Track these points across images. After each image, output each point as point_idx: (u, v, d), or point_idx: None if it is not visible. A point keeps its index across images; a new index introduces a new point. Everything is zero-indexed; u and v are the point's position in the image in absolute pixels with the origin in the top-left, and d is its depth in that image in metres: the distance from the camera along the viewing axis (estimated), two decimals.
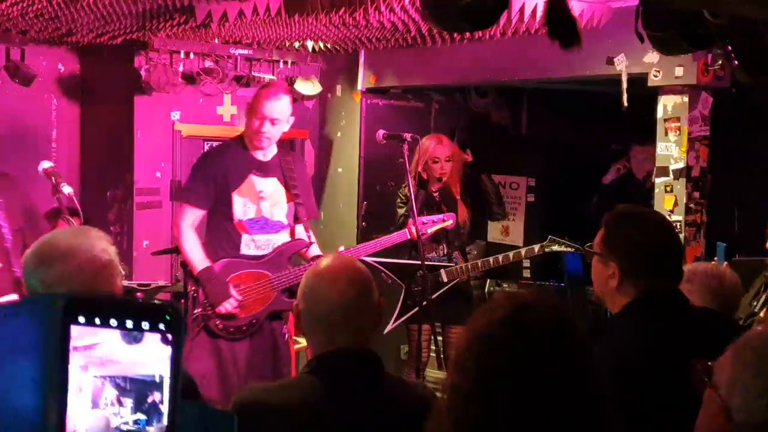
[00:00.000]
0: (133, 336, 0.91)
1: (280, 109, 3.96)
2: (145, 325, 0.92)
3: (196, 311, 3.99)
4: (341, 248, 4.24)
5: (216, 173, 3.99)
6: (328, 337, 1.98)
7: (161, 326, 0.92)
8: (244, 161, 4.03)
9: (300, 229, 4.19)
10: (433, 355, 4.72)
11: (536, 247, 4.58)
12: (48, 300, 0.90)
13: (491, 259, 4.65)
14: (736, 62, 3.23)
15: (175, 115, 5.46)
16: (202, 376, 3.85)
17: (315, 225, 6.15)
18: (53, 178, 3.36)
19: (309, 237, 4.16)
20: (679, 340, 2.16)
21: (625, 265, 2.22)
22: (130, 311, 0.91)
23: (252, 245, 4.05)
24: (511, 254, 4.62)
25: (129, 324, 0.91)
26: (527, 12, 3.93)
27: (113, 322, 0.91)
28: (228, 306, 3.94)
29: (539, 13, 3.93)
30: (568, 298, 5.59)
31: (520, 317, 1.38)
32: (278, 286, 4.04)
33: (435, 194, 4.85)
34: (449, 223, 4.43)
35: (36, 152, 3.50)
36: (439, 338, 4.62)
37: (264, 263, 4.05)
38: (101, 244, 2.01)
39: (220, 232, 4.04)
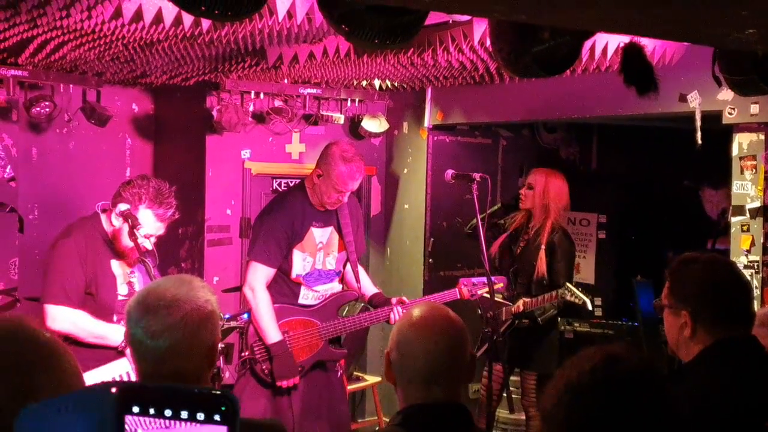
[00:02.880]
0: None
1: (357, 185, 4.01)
2: (200, 416, 0.90)
3: (244, 354, 4.01)
4: (405, 299, 4.15)
5: (287, 232, 3.99)
6: (422, 390, 1.96)
7: (216, 417, 0.90)
8: (309, 214, 4.04)
9: (349, 273, 4.18)
10: (505, 395, 4.66)
11: (554, 294, 4.55)
12: (102, 391, 0.89)
13: (529, 301, 4.60)
14: None
15: (245, 154, 5.54)
16: (255, 416, 3.84)
17: (382, 262, 6.18)
18: (129, 221, 3.42)
19: (357, 274, 4.16)
20: (756, 390, 2.12)
21: (696, 313, 2.20)
22: (185, 401, 0.90)
23: (309, 296, 4.08)
24: (539, 298, 4.59)
25: (184, 414, 0.89)
26: (598, 51, 3.88)
27: (168, 412, 0.89)
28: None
29: (610, 51, 3.88)
30: (642, 337, 5.46)
31: (611, 368, 1.39)
32: (326, 335, 4.04)
33: (524, 236, 4.77)
34: (500, 286, 4.35)
35: (111, 192, 3.58)
36: (513, 378, 4.58)
37: (314, 312, 4.05)
38: (205, 294, 2.01)
39: (278, 283, 4.05)
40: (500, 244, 4.85)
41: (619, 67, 2.46)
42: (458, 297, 4.22)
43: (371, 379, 5.85)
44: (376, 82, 5.38)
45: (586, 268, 6.38)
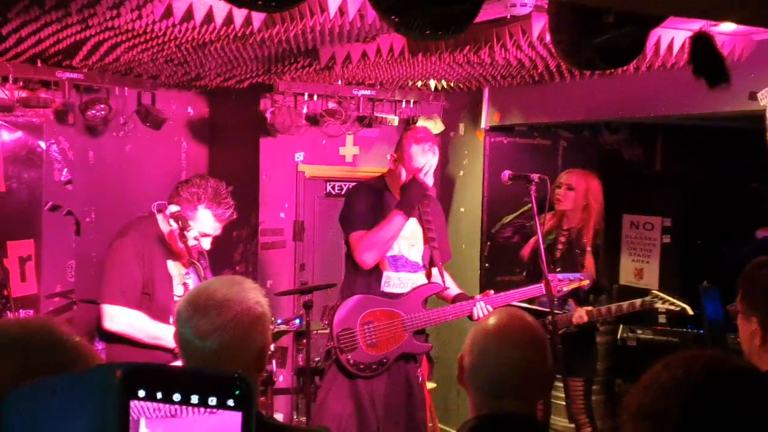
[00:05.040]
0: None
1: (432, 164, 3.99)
2: (212, 400, 0.81)
3: (329, 343, 3.98)
4: (491, 292, 4.10)
5: (370, 206, 3.99)
6: (493, 400, 1.92)
7: (230, 402, 0.81)
8: (390, 201, 4.02)
9: (435, 273, 4.12)
10: (561, 403, 4.53)
11: (638, 303, 4.37)
12: (106, 372, 0.81)
13: (595, 310, 4.44)
14: None
15: (299, 156, 5.50)
16: (341, 416, 3.87)
17: None
18: (179, 222, 3.39)
19: (444, 281, 4.10)
20: None
21: (765, 321, 2.15)
22: (195, 384, 0.81)
23: (390, 282, 4.01)
24: (613, 307, 4.44)
25: (194, 399, 0.81)
26: (663, 46, 3.72)
27: (176, 396, 0.81)
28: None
29: (676, 47, 3.71)
30: (708, 345, 5.25)
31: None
32: (410, 327, 3.99)
33: (563, 232, 4.66)
34: (586, 282, 4.24)
35: (167, 194, 3.56)
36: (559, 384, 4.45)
37: (398, 303, 4.00)
38: (256, 296, 1.98)
39: (363, 271, 4.01)
40: (532, 247, 4.71)
41: (689, 57, 2.33)
42: (544, 292, 4.10)
43: (427, 385, 5.75)
44: (432, 83, 5.28)
45: (650, 274, 6.18)
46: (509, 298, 4.06)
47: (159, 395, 0.80)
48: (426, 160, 3.93)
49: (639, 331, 5.58)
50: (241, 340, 1.90)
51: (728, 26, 3.59)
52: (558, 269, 4.63)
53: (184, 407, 0.80)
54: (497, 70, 4.52)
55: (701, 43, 2.23)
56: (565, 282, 4.16)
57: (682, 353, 1.43)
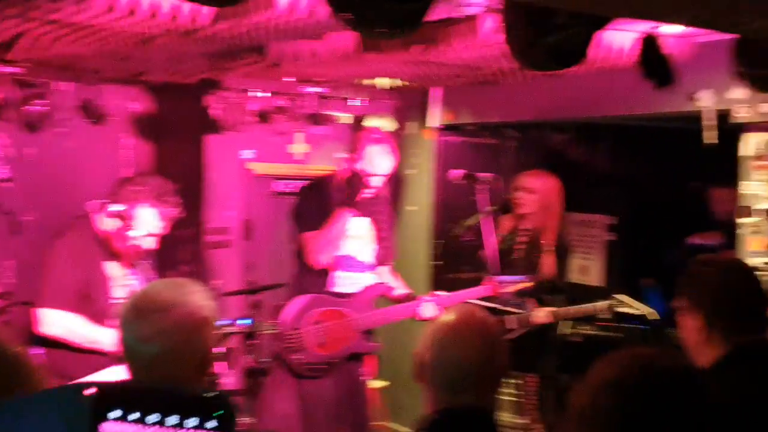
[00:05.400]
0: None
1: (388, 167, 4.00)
2: (192, 422, 0.77)
3: (276, 344, 3.99)
4: (437, 293, 4.11)
5: (322, 205, 3.98)
6: (453, 394, 1.98)
7: (210, 424, 0.77)
8: (341, 200, 4.01)
9: (384, 271, 4.12)
10: (508, 398, 4.57)
11: (604, 306, 4.43)
12: (73, 393, 0.76)
13: (560, 311, 4.49)
14: None
15: (247, 154, 5.43)
16: (288, 417, 3.88)
17: None
18: (121, 221, 3.32)
19: (393, 281, 4.10)
20: None
21: (710, 316, 2.21)
22: (173, 404, 0.77)
23: (340, 282, 4.00)
24: (581, 308, 4.51)
25: (171, 421, 0.77)
26: (611, 48, 3.76)
27: (152, 417, 0.77)
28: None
29: (621, 49, 3.76)
30: (651, 340, 5.35)
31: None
32: (360, 327, 3.98)
33: (521, 232, 4.68)
34: (528, 285, 4.27)
35: (110, 192, 3.49)
36: (515, 381, 4.50)
37: (348, 302, 3.98)
38: (199, 299, 1.94)
39: (310, 270, 3.97)
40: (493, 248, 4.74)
41: (638, 59, 2.36)
42: (489, 294, 4.15)
43: (377, 384, 5.74)
44: (383, 81, 5.28)
45: (595, 271, 6.27)
46: (456, 299, 4.09)
47: (133, 416, 0.76)
48: (383, 161, 3.93)
49: (584, 328, 5.66)
50: (183, 345, 1.86)
51: (671, 28, 3.65)
52: (516, 271, 4.67)
53: (159, 428, 0.76)
54: (449, 70, 4.53)
55: (650, 46, 2.26)
56: (506, 284, 4.19)
57: (620, 353, 1.49)
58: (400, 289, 4.19)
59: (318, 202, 4.00)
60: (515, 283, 4.22)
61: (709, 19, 2.04)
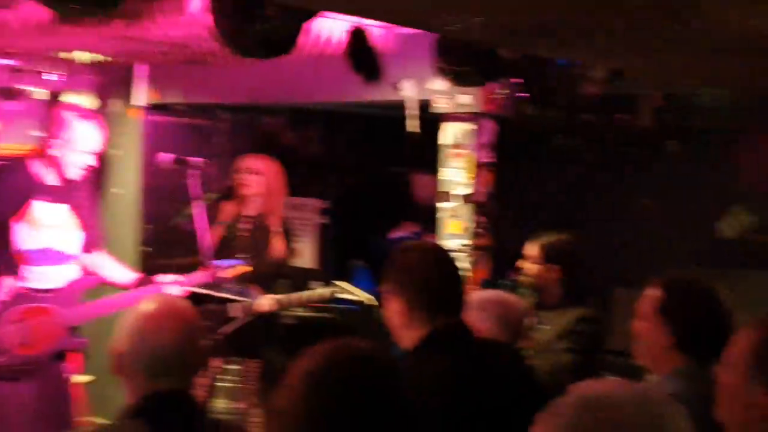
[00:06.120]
0: None
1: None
2: None
3: None
4: (157, 278, 3.91)
5: (17, 190, 3.64)
6: (153, 381, 2.01)
7: None
8: (29, 186, 3.67)
9: (100, 259, 3.87)
10: (223, 384, 4.52)
11: (324, 293, 4.51)
12: None
13: (284, 298, 4.51)
14: (523, 95, 3.31)
15: None
16: None
17: None
18: None
19: (102, 259, 3.85)
20: (466, 378, 2.24)
21: (411, 300, 2.28)
22: None
23: (36, 277, 3.68)
24: (301, 296, 4.53)
25: None
26: (321, 37, 3.81)
27: None
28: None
29: (333, 39, 3.83)
30: (361, 320, 5.55)
31: (345, 353, 1.46)
32: (66, 323, 3.69)
33: (245, 219, 4.61)
34: (245, 269, 4.22)
35: None
36: (234, 367, 4.46)
37: (52, 298, 3.68)
38: None
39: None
40: (218, 235, 4.66)
41: (347, 52, 2.40)
42: (208, 279, 4.03)
43: (82, 379, 5.42)
44: (83, 56, 4.94)
45: (308, 254, 6.40)
46: (175, 285, 3.96)
47: None
48: (84, 140, 3.68)
49: (298, 309, 5.74)
50: None
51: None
52: (240, 257, 4.60)
53: None
54: (154, 47, 4.33)
55: (358, 39, 2.31)
56: (223, 268, 4.12)
57: (320, 345, 1.52)
58: (118, 273, 3.96)
59: (9, 186, 3.65)
60: (233, 268, 4.16)
61: (413, 19, 2.13)
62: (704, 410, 2.08)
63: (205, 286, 4.17)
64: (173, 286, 3.90)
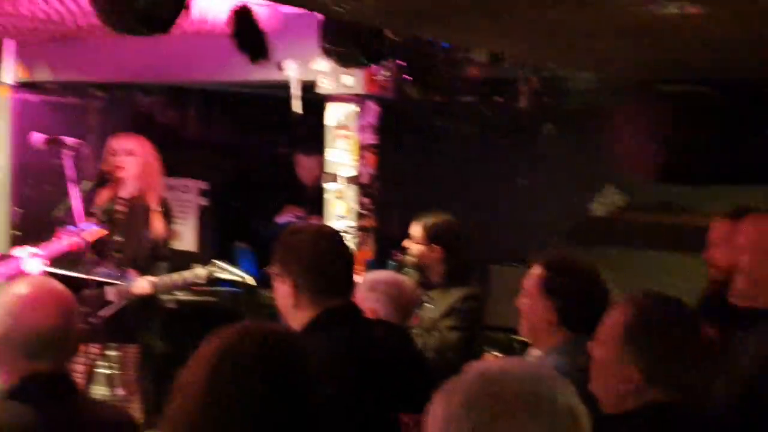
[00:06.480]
0: None
1: None
2: None
3: None
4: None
5: None
6: (30, 363, 2.01)
7: None
8: None
9: None
10: (101, 371, 4.40)
11: (201, 273, 4.42)
12: None
13: (160, 281, 4.39)
14: (407, 77, 3.34)
15: None
16: None
17: None
18: None
19: None
20: (355, 358, 2.28)
21: (299, 282, 2.29)
22: None
23: None
24: (178, 278, 4.41)
25: None
26: (203, 14, 3.72)
27: None
28: None
29: (216, 17, 3.74)
30: (244, 303, 5.49)
31: (253, 334, 1.47)
32: None
33: (121, 201, 4.46)
34: (99, 233, 4.06)
35: None
36: (112, 353, 4.36)
37: None
38: None
39: None
40: (96, 221, 4.50)
41: (232, 32, 2.35)
42: (64, 249, 3.89)
43: None
44: None
45: (188, 236, 6.26)
46: (34, 258, 3.79)
47: None
48: None
49: (178, 293, 5.62)
50: None
51: None
52: (117, 239, 4.44)
53: None
54: (21, 21, 4.12)
55: (243, 19, 2.26)
56: (77, 233, 3.94)
57: (227, 327, 1.52)
58: None
59: None
60: (88, 232, 4.01)
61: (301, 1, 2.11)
62: (584, 384, 2.19)
63: (70, 261, 4.01)
64: (32, 258, 3.73)
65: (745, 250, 2.49)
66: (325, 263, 2.32)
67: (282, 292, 2.33)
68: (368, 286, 3.06)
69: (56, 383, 2.05)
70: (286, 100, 4.57)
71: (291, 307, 2.31)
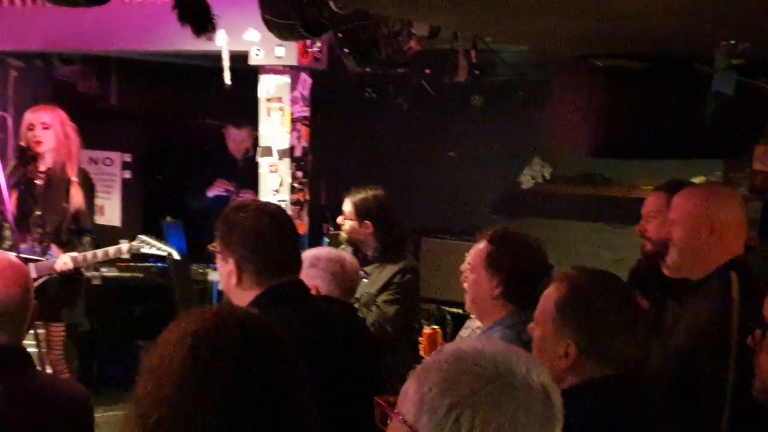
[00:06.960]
0: None
1: None
2: None
3: None
4: None
5: None
6: None
7: None
8: None
9: None
10: (29, 350, 4.26)
11: (125, 248, 4.31)
12: None
13: (80, 256, 4.27)
14: (345, 50, 3.30)
15: None
16: None
17: None
18: None
19: None
20: (305, 336, 2.13)
21: (243, 261, 2.22)
22: None
23: None
24: (99, 252, 4.31)
25: None
26: None
27: None
28: None
29: None
30: (173, 278, 5.37)
31: (226, 315, 1.43)
32: None
33: (40, 174, 4.29)
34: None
35: None
36: (40, 331, 4.19)
37: None
38: None
39: None
40: (17, 196, 4.34)
41: (174, 3, 2.26)
42: None
43: None
44: None
45: (111, 210, 6.09)
46: None
47: None
48: None
49: (104, 270, 5.47)
50: None
51: None
52: (38, 213, 4.29)
53: None
54: None
55: None
56: None
57: (202, 308, 1.48)
58: None
59: None
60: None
61: None
62: None
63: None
64: None
65: (678, 222, 2.53)
66: (270, 241, 2.25)
67: (225, 271, 2.26)
68: (309, 262, 3.01)
69: (12, 355, 2.07)
70: (216, 70, 4.46)
71: (234, 286, 2.25)
